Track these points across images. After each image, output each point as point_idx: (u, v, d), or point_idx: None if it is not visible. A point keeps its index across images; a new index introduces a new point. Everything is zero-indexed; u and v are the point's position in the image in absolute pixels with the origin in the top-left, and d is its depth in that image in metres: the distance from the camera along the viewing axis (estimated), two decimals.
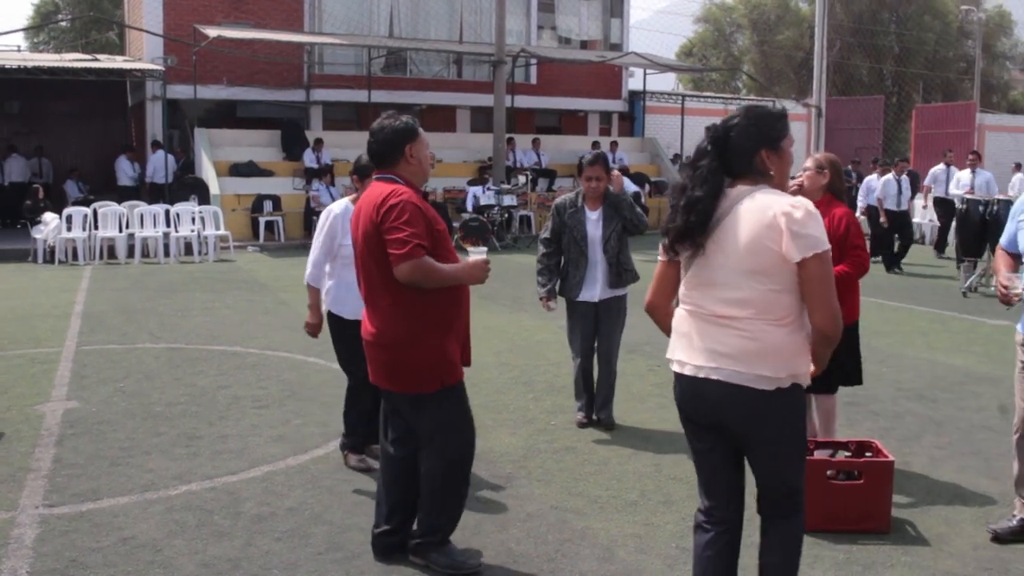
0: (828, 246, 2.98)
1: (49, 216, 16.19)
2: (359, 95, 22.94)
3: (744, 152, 3.09)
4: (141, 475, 5.24)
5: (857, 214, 17.12)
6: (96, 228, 16.45)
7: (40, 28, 42.03)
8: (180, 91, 21.13)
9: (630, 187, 7.90)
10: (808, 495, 4.40)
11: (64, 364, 8.01)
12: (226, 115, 23.22)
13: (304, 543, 4.35)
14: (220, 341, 9.07)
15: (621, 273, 6.16)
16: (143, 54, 22.57)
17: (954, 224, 14.16)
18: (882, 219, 15.19)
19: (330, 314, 5.34)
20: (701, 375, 3.12)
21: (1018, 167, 21.33)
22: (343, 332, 5.24)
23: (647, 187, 22.11)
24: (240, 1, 22.77)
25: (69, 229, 16.10)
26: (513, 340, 9.20)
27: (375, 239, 3.87)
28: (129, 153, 20.65)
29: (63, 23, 41.91)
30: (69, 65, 19.97)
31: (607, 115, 28.22)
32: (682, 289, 3.23)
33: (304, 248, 5.52)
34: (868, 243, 15.54)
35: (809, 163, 5.18)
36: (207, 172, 19.30)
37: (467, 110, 25.53)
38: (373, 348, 4.03)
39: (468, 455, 4.12)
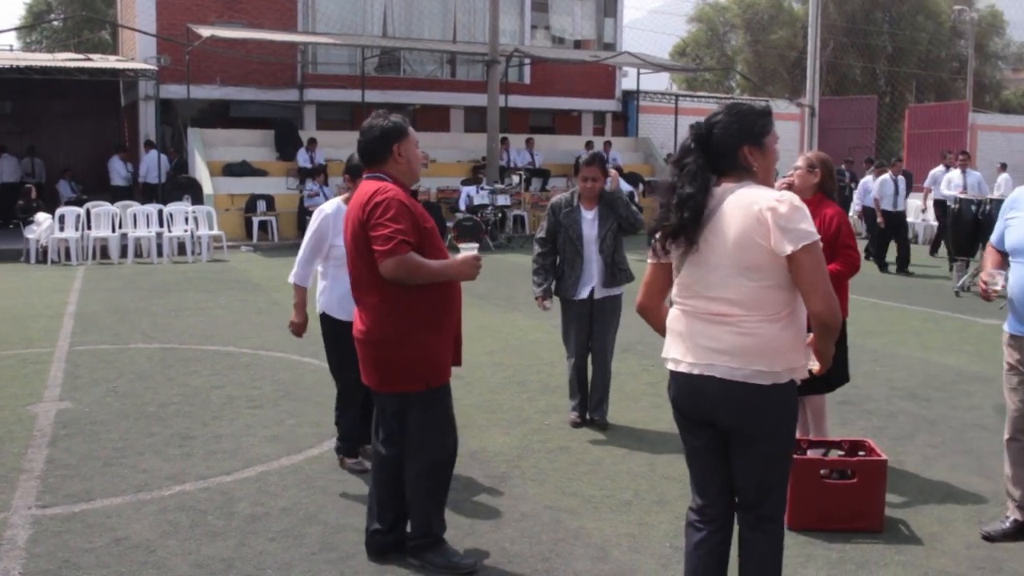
0: (817, 237, 2.99)
1: (42, 216, 16.14)
2: (353, 95, 22.92)
3: (727, 149, 3.11)
4: (134, 475, 5.23)
5: (850, 214, 17.17)
6: (89, 228, 16.42)
7: (32, 27, 41.93)
8: (173, 91, 21.08)
9: (624, 187, 7.91)
10: (801, 494, 4.43)
11: (57, 364, 7.99)
12: (219, 115, 23.16)
13: (298, 543, 4.35)
14: (214, 341, 9.06)
15: (616, 272, 6.17)
16: (136, 54, 22.52)
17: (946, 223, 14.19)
18: (879, 220, 15.22)
19: (323, 315, 5.31)
20: (696, 372, 3.12)
21: (1003, 167, 21.38)
22: (334, 333, 5.21)
23: (640, 186, 22.12)
24: (233, 1, 22.74)
25: (62, 229, 16.06)
26: (507, 340, 9.21)
27: (362, 237, 3.89)
28: (122, 153, 20.61)
29: (56, 22, 41.79)
30: (62, 65, 19.92)
31: (601, 115, 28.23)
32: (675, 288, 3.24)
33: (297, 248, 5.51)
34: (870, 243, 15.66)
35: (800, 162, 5.18)
36: (200, 172, 19.26)
37: (461, 110, 25.52)
38: (362, 346, 4.04)
39: (452, 457, 4.15)
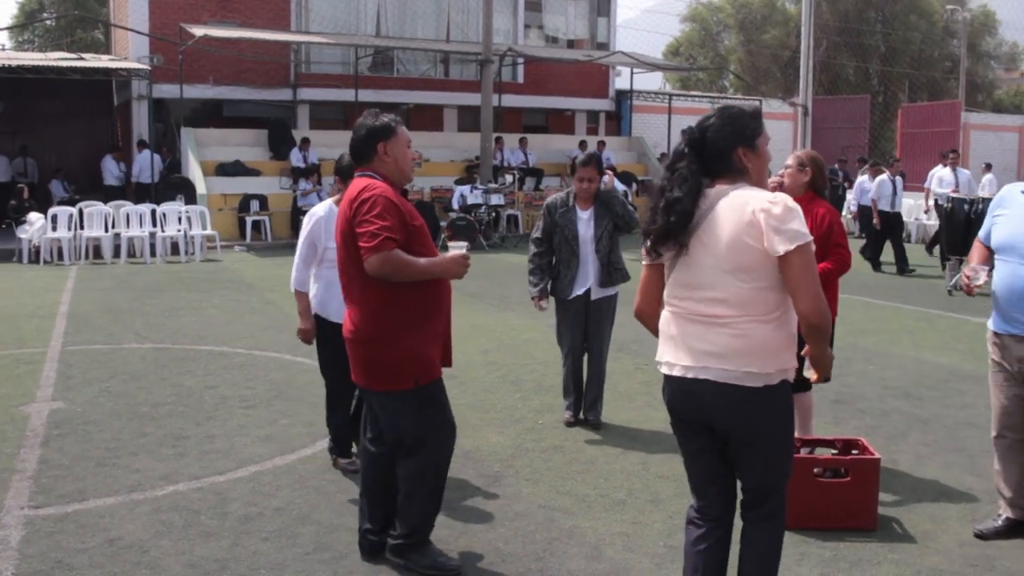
0: (810, 238, 3.00)
1: (34, 216, 16.09)
2: (346, 94, 22.88)
3: (721, 151, 3.12)
4: (127, 476, 5.22)
5: (844, 214, 17.19)
6: (82, 228, 16.36)
7: (25, 27, 41.80)
8: (166, 90, 21.03)
9: (618, 187, 7.91)
10: (795, 493, 4.42)
11: (49, 364, 7.97)
12: (212, 114, 23.11)
13: (291, 543, 4.34)
14: (207, 341, 9.04)
15: (612, 272, 6.16)
16: (129, 53, 22.45)
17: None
18: (875, 220, 15.25)
19: (315, 316, 5.31)
20: (690, 375, 3.12)
21: (988, 167, 21.46)
22: (325, 334, 5.20)
23: (634, 186, 22.13)
24: (226, 0, 22.69)
25: (54, 229, 16.01)
26: (500, 339, 9.20)
27: (350, 235, 3.88)
28: (115, 153, 20.53)
29: (48, 22, 41.68)
30: (54, 64, 19.83)
31: (594, 114, 28.24)
32: (667, 290, 3.24)
33: (291, 247, 5.50)
34: (866, 243, 15.65)
35: (791, 161, 5.19)
36: (193, 172, 19.22)
37: (454, 109, 25.50)
38: (351, 344, 4.03)
39: (445, 456, 4.10)
